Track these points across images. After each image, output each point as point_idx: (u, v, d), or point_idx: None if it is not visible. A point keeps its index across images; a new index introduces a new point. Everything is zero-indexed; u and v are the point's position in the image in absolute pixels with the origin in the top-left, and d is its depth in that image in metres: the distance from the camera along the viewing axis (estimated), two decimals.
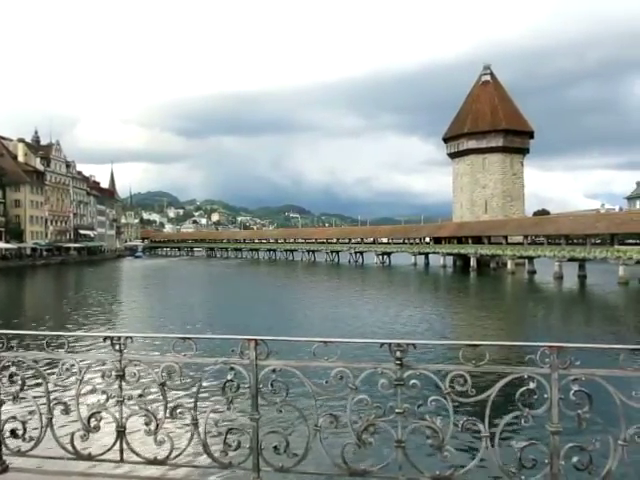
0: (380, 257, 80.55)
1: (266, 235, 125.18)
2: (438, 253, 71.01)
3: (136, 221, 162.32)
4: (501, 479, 2.93)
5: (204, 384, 3.28)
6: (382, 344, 3.03)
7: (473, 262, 63.63)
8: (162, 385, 3.23)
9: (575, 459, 2.84)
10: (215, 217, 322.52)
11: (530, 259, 56.92)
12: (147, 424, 3.23)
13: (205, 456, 3.22)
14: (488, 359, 2.92)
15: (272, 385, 3.09)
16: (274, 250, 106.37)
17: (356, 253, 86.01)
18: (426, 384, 2.97)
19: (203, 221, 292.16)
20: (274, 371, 3.11)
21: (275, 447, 3.08)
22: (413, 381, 2.95)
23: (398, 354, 2.96)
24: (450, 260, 71.90)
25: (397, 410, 2.97)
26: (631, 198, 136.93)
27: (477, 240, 66.44)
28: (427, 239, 76.43)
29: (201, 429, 3.20)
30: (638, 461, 2.87)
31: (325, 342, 3.05)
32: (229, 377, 3.14)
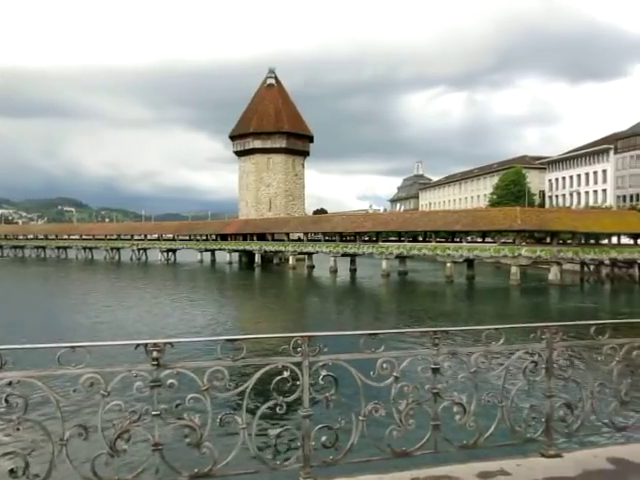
0: (165, 254, 77.97)
1: (33, 230, 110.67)
2: (224, 250, 71.55)
3: None
4: (258, 468, 3.04)
5: None
6: (137, 345, 2.88)
7: (258, 258, 65.64)
8: None
9: (324, 438, 3.09)
10: None
11: (309, 255, 60.92)
12: None
13: None
14: (246, 353, 2.99)
15: (7, 401, 2.70)
16: (43, 247, 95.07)
17: (139, 250, 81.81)
18: (185, 382, 2.92)
19: None
20: (10, 384, 2.72)
21: (12, 470, 2.70)
22: (171, 381, 2.87)
23: (155, 354, 2.86)
24: (236, 256, 73.11)
25: (154, 412, 2.86)
26: (393, 200, 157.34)
27: (262, 237, 68.81)
28: (214, 236, 76.44)
29: None
30: (374, 432, 3.23)
31: (72, 347, 2.78)
32: None
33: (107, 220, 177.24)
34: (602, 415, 3.77)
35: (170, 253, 78.62)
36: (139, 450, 3.01)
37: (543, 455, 3.54)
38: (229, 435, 3.09)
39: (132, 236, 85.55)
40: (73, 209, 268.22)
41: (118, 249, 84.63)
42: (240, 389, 3.00)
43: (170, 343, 2.92)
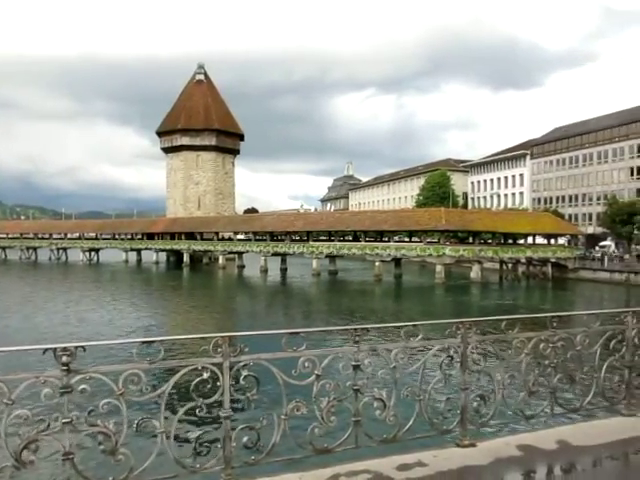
0: (87, 254, 74.53)
1: None
2: (151, 249, 69.39)
3: None
4: (178, 472, 2.96)
5: None
6: (45, 350, 2.73)
7: (186, 258, 64.18)
8: None
9: (245, 439, 3.06)
10: None
11: (239, 254, 60.28)
12: None
13: None
14: (165, 355, 2.91)
15: None
16: None
17: (59, 249, 77.68)
18: (98, 387, 2.80)
19: None
20: None
21: None
22: (83, 386, 2.74)
23: (64, 359, 2.71)
24: (163, 256, 71.09)
25: (64, 420, 2.72)
26: (324, 200, 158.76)
27: (190, 236, 67.29)
28: (139, 235, 73.88)
29: None
30: (296, 430, 3.24)
31: None
32: None
33: (23, 217, 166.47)
34: (512, 405, 3.99)
35: (93, 253, 75.35)
36: (49, 460, 2.85)
37: (458, 445, 3.69)
38: (147, 440, 2.99)
39: (51, 235, 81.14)
40: None
41: (35, 248, 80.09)
42: (157, 392, 2.91)
43: (82, 347, 2.79)
